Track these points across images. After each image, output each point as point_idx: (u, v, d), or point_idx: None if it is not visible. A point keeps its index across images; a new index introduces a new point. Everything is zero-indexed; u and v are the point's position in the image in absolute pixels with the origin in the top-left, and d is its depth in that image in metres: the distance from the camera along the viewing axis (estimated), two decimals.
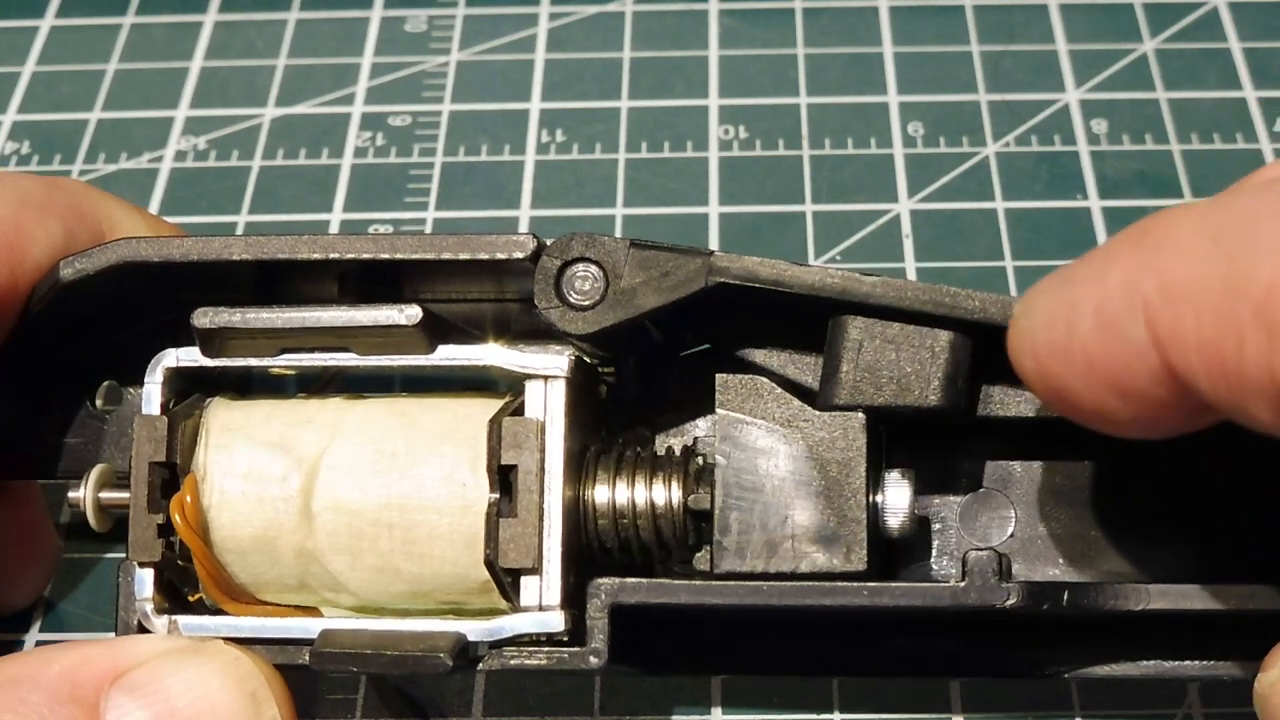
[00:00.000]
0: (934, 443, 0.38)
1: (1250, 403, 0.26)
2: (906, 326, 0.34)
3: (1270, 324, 0.25)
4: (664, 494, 0.35)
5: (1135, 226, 0.29)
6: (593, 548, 0.35)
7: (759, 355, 0.36)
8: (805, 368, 0.35)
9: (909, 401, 0.34)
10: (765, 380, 0.35)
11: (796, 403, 0.35)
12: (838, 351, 0.34)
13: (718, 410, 0.35)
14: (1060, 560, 0.38)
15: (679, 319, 0.35)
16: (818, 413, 0.34)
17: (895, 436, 0.36)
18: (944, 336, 0.34)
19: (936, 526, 0.38)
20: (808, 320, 0.34)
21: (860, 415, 0.34)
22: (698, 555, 0.35)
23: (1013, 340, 0.31)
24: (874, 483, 0.35)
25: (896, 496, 0.35)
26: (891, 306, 0.33)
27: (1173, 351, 0.27)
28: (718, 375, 0.35)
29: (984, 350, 0.34)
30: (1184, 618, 0.35)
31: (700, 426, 0.38)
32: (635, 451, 0.36)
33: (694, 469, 0.35)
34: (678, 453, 0.36)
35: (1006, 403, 0.35)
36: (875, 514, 0.35)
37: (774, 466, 0.34)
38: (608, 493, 0.35)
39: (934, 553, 0.38)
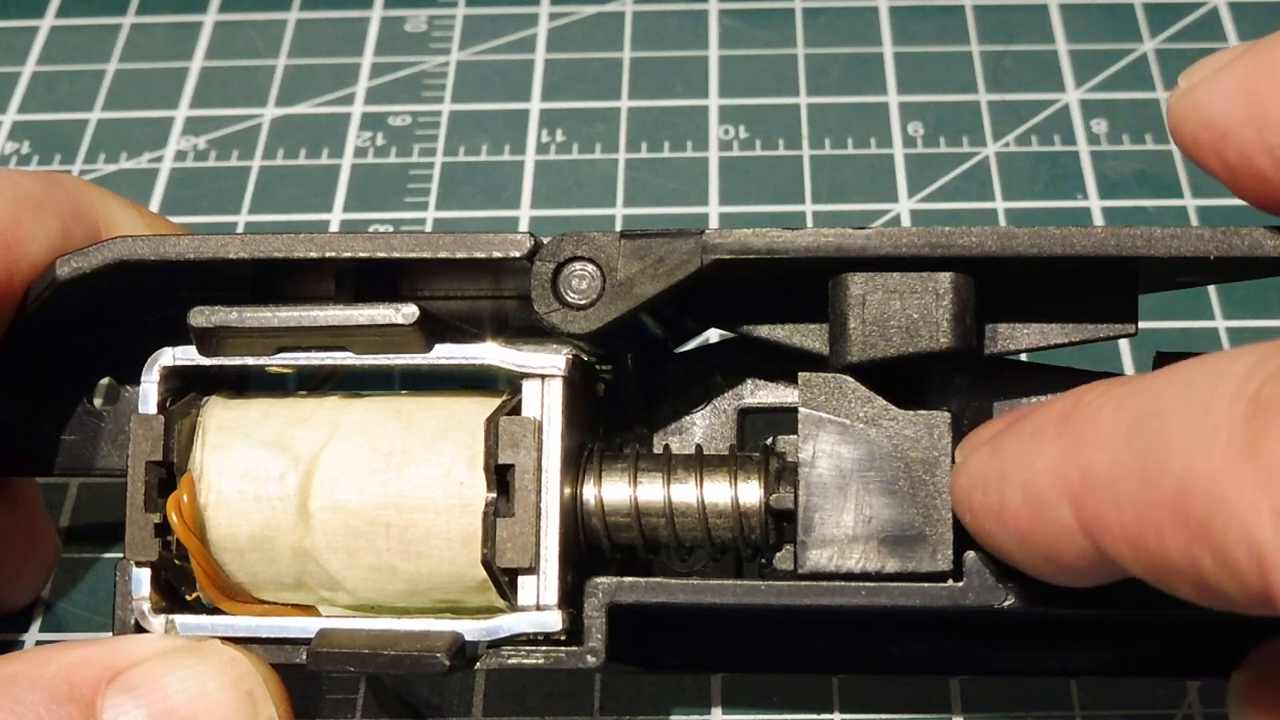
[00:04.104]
0: None
1: (1176, 586, 0.27)
2: (907, 274, 0.33)
3: (1184, 520, 0.26)
4: (726, 493, 0.34)
5: (1061, 404, 0.30)
6: (601, 546, 0.35)
7: (764, 330, 0.35)
8: (811, 334, 0.35)
9: (921, 348, 0.33)
10: (849, 379, 0.34)
11: (880, 401, 0.34)
12: (843, 310, 0.33)
13: (800, 409, 0.34)
14: None
15: (678, 305, 0.35)
16: (901, 411, 0.34)
17: None
18: (945, 278, 0.33)
19: None
20: (808, 286, 0.34)
21: (945, 414, 0.34)
22: (778, 555, 0.35)
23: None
24: None
25: None
26: (889, 256, 0.33)
27: (1098, 537, 0.28)
28: (800, 374, 0.34)
29: (985, 287, 0.34)
30: (1184, 618, 0.35)
31: (698, 423, 0.38)
32: (665, 449, 0.35)
33: (774, 467, 0.35)
34: (757, 452, 0.35)
35: (1015, 337, 0.35)
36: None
37: (857, 465, 0.34)
38: (627, 490, 0.34)
39: None
